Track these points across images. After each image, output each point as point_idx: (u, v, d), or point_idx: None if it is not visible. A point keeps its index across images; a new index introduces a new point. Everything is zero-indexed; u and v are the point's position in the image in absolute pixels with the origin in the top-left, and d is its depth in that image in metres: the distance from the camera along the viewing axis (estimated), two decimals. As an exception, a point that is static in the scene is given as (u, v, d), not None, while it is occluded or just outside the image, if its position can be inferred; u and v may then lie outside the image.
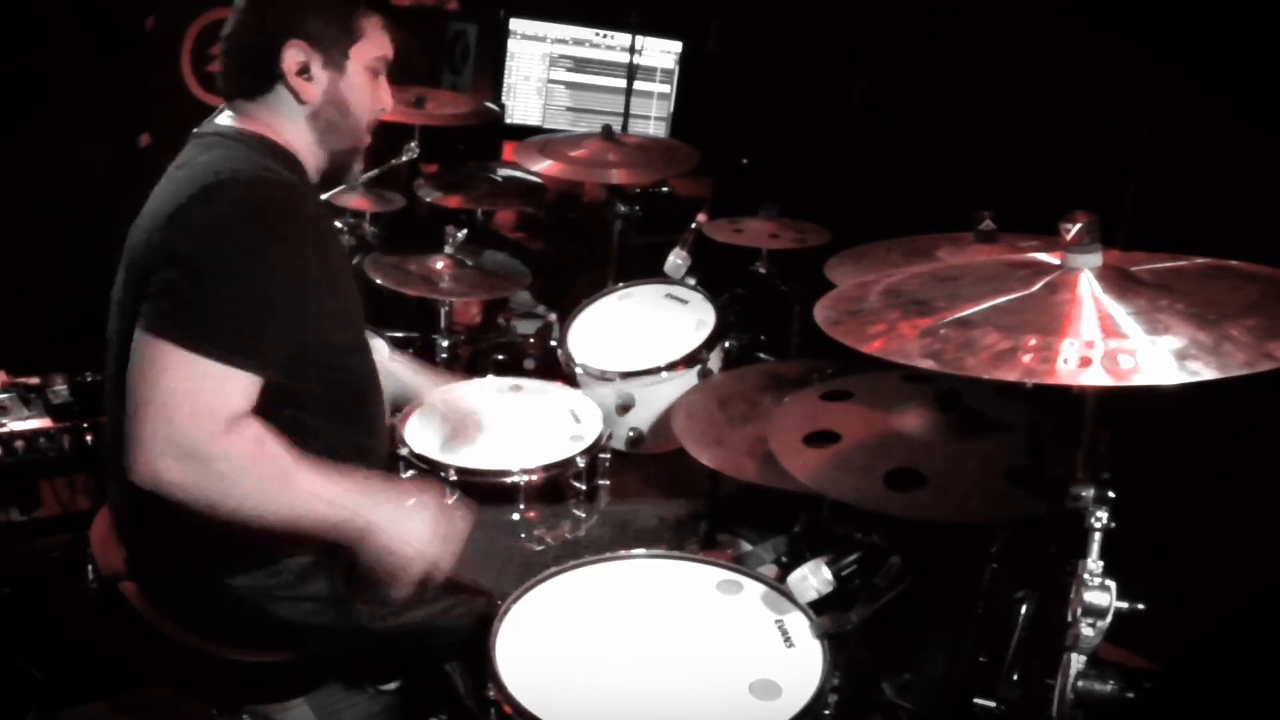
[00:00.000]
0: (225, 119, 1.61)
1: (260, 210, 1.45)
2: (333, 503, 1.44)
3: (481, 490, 1.98)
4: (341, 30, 1.60)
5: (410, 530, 1.47)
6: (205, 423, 1.34)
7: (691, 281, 2.65)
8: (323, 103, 1.61)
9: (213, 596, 1.54)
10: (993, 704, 1.57)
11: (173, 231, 1.43)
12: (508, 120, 3.83)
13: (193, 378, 1.35)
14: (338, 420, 1.61)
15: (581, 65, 3.90)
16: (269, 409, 1.43)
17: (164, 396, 1.34)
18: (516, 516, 2.02)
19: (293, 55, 1.56)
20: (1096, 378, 1.02)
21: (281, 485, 1.40)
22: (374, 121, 1.70)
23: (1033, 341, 1.08)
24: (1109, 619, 1.14)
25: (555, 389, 2.37)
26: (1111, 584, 1.14)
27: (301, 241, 1.48)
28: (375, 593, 1.49)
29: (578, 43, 3.88)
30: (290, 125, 1.61)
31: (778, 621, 1.53)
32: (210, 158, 1.51)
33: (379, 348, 2.05)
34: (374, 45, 1.64)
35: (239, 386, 1.39)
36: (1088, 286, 1.15)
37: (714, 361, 2.45)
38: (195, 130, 1.62)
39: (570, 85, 3.91)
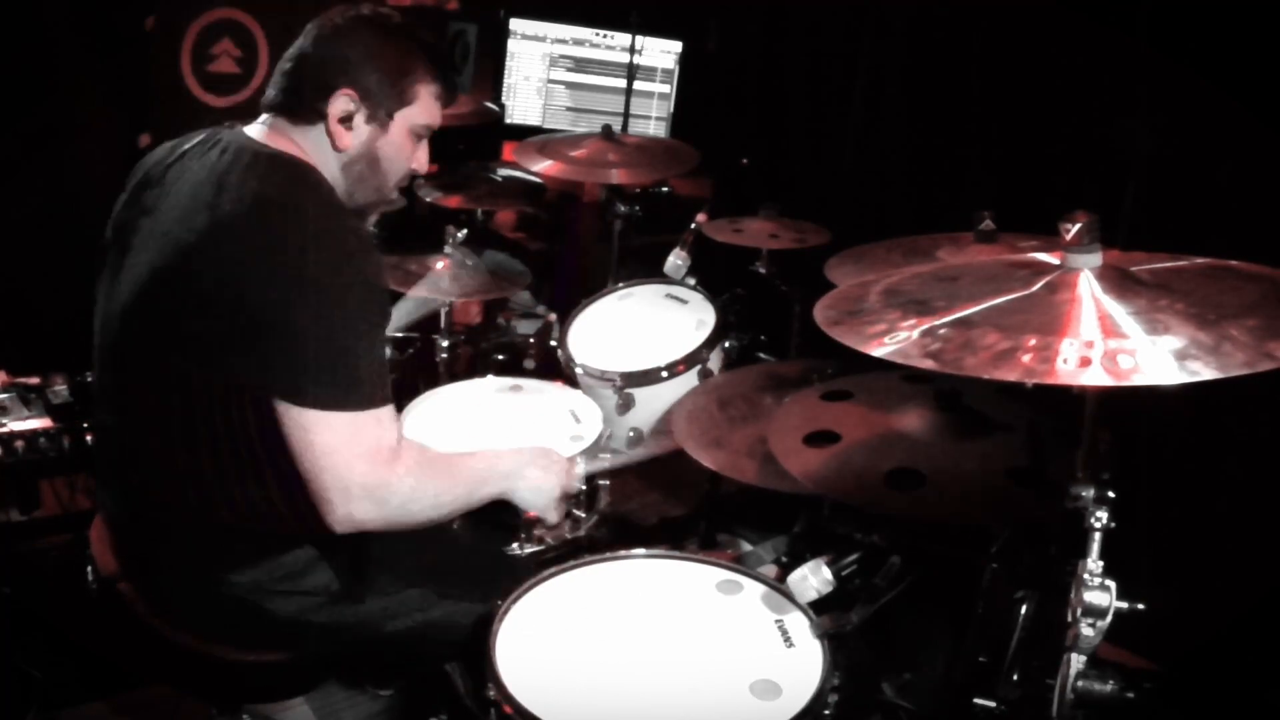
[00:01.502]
0: (260, 132, 1.59)
1: (354, 249, 1.47)
2: (488, 478, 1.64)
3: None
4: (395, 90, 1.60)
5: (539, 474, 1.71)
6: (375, 466, 1.44)
7: (691, 281, 2.65)
8: (357, 154, 1.61)
9: (209, 596, 1.54)
10: (993, 704, 1.57)
11: (262, 272, 1.41)
12: (508, 120, 3.83)
13: (352, 431, 1.43)
14: None
15: (581, 65, 3.90)
16: None
17: (329, 454, 1.42)
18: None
19: (341, 102, 1.57)
20: (1096, 378, 1.02)
21: (452, 485, 1.57)
22: (404, 182, 1.71)
23: (1033, 341, 1.08)
24: (1109, 619, 1.14)
25: (555, 389, 2.37)
26: (1111, 584, 1.14)
27: (379, 273, 1.51)
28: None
29: (578, 43, 3.88)
30: (322, 163, 1.60)
31: (778, 621, 1.53)
32: (275, 187, 1.48)
33: None
34: (424, 112, 1.64)
35: (388, 419, 1.48)
36: (1087, 286, 1.15)
37: (714, 361, 2.45)
38: (221, 137, 1.58)
39: (570, 85, 3.91)
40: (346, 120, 1.58)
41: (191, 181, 1.52)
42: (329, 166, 1.60)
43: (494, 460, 1.68)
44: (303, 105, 1.58)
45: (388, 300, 1.55)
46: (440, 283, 2.77)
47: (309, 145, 1.59)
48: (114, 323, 1.56)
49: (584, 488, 2.10)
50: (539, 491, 1.70)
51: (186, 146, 1.60)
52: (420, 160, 1.70)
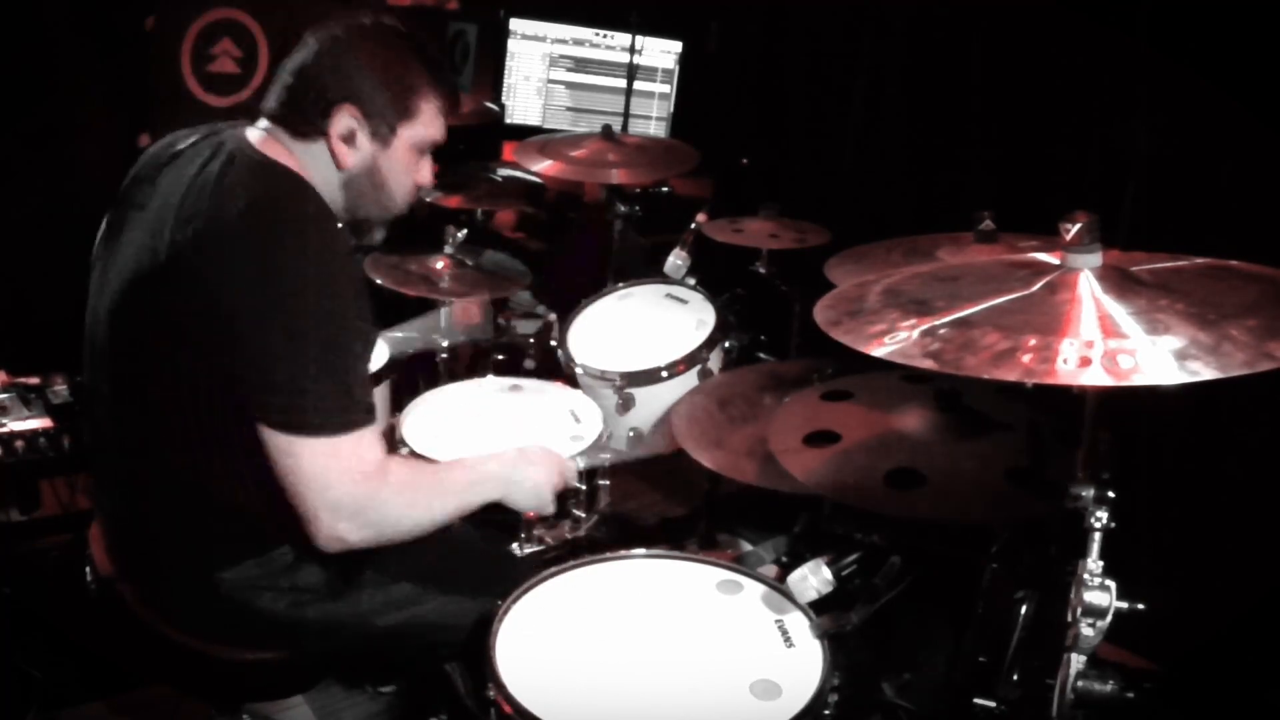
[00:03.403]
0: (258, 138, 1.55)
1: (338, 270, 1.44)
2: (477, 485, 1.61)
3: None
4: (398, 106, 1.57)
5: (532, 473, 1.67)
6: (360, 485, 1.43)
7: (691, 281, 2.65)
8: (359, 171, 1.58)
9: (202, 593, 1.54)
10: (993, 704, 1.57)
11: (242, 282, 1.39)
12: (508, 120, 3.83)
13: (334, 453, 1.41)
14: None
15: (581, 65, 3.90)
16: None
17: (313, 476, 1.41)
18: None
19: (344, 120, 1.54)
20: (1096, 378, 1.02)
21: (441, 497, 1.55)
22: (410, 197, 1.67)
23: (1033, 341, 1.08)
24: (1109, 619, 1.14)
25: (555, 389, 2.37)
26: (1111, 584, 1.14)
27: (361, 292, 1.50)
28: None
29: (578, 43, 3.88)
30: (321, 179, 1.56)
31: (778, 621, 1.53)
32: (265, 197, 1.45)
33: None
34: (427, 127, 1.61)
35: (371, 437, 1.46)
36: (1087, 286, 1.15)
37: (714, 361, 2.45)
38: (221, 138, 1.55)
39: (570, 85, 3.91)
40: (349, 138, 1.55)
41: (184, 182, 1.49)
42: (329, 183, 1.57)
43: (482, 466, 1.65)
44: (304, 121, 1.55)
45: (370, 319, 1.50)
46: (440, 283, 2.78)
47: (308, 159, 1.56)
48: (102, 318, 1.56)
49: (582, 487, 2.11)
50: (533, 492, 1.67)
51: (181, 146, 1.57)
52: (424, 175, 1.66)
